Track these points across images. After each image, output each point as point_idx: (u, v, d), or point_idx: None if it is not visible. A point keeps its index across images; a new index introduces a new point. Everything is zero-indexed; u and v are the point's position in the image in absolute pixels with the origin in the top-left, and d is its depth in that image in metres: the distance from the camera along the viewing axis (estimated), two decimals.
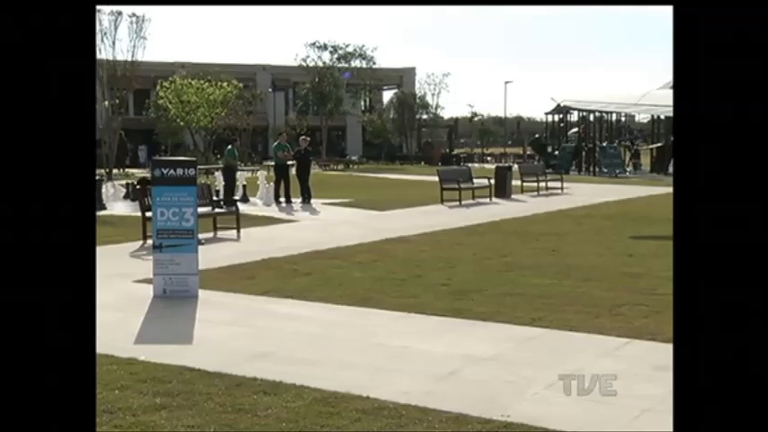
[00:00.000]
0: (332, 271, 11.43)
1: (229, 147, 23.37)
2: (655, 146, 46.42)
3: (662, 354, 7.11)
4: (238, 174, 23.86)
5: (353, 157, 56.77)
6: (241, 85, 50.08)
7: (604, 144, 44.97)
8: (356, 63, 56.25)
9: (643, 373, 6.59)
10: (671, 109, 20.59)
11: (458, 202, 22.72)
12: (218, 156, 38.55)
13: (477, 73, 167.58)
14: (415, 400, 5.76)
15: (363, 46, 56.43)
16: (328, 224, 17.87)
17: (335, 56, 55.62)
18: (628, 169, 43.62)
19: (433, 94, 64.22)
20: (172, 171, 9.75)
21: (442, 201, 22.80)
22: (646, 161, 47.52)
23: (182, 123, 47.79)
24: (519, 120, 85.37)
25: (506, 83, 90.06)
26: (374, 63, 57.04)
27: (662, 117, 42.69)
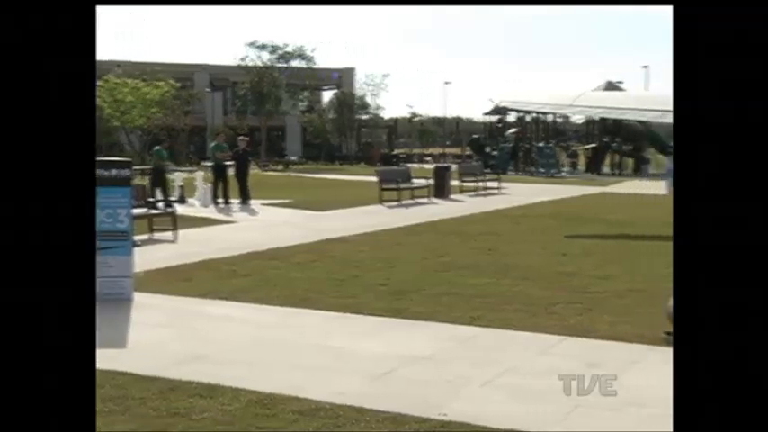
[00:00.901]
0: (270, 272, 11.36)
1: (157, 147, 22.95)
2: (589, 146, 47.24)
3: (595, 350, 7.26)
4: (175, 174, 23.46)
5: (293, 158, 56.51)
6: (178, 84, 49.40)
7: (541, 144, 45.62)
8: (295, 63, 55.96)
9: (577, 369, 6.69)
10: (604, 110, 20.96)
11: (397, 203, 22.80)
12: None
13: (417, 74, 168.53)
14: (351, 401, 5.76)
15: (302, 46, 56.18)
16: (267, 225, 17.76)
17: (275, 56, 55.26)
18: (564, 169, 44.31)
19: (372, 95, 64.30)
20: (105, 172, 9.57)
21: (382, 201, 22.85)
22: (581, 161, 48.36)
23: (116, 123, 46.92)
24: (458, 120, 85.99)
25: (445, 83, 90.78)
26: (314, 63, 56.86)
27: (596, 118, 43.39)
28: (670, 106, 18.00)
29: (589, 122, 49.35)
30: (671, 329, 7.36)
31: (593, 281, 10.71)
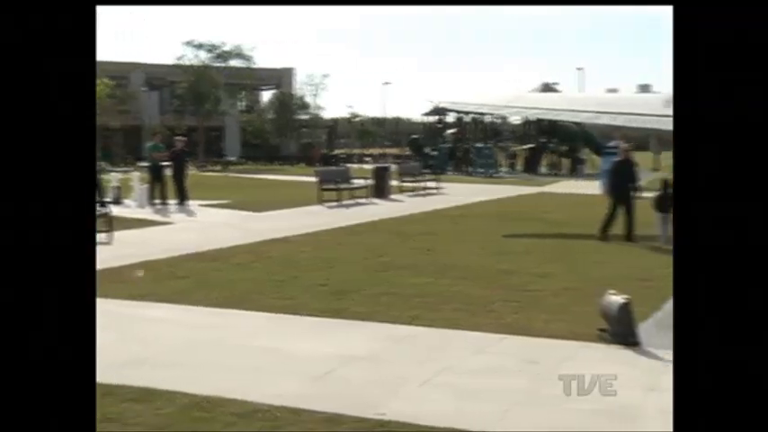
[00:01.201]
0: (209, 273, 11.24)
1: None
2: (527, 147, 47.86)
3: (532, 348, 7.36)
4: (111, 175, 22.99)
5: (231, 158, 55.93)
6: (113, 83, 48.49)
7: (479, 145, 46.06)
8: (234, 62, 55.39)
9: (514, 367, 6.78)
10: (540, 111, 21.26)
11: (336, 203, 22.78)
12: None
13: (357, 74, 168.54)
14: (289, 402, 5.73)
15: (241, 45, 55.63)
16: (206, 226, 17.56)
17: (212, 55, 54.61)
18: (502, 169, 44.80)
19: (312, 95, 64.06)
20: None
21: (321, 201, 22.80)
22: (519, 162, 48.94)
23: None
24: (398, 120, 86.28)
25: (385, 84, 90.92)
26: (253, 63, 56.36)
27: (533, 119, 43.98)
28: (603, 107, 18.20)
29: (526, 123, 49.99)
30: (605, 327, 7.51)
31: (530, 279, 10.86)
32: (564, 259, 12.77)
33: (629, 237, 14.88)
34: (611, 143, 34.42)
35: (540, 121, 42.58)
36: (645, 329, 7.74)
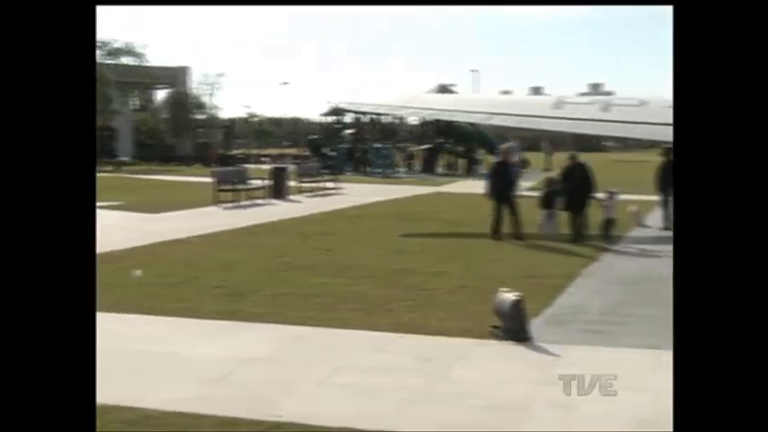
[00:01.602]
0: (102, 277, 10.86)
1: None
2: (424, 147, 48.41)
3: (428, 346, 7.48)
4: None
5: (124, 158, 54.44)
6: None
7: (377, 145, 46.34)
8: (125, 60, 53.94)
9: (409, 365, 6.88)
10: (436, 112, 21.58)
11: (233, 204, 22.52)
12: None
13: (255, 74, 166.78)
14: (183, 407, 5.66)
15: (132, 42, 54.20)
16: (99, 228, 17.00)
17: (103, 52, 53.03)
18: (400, 170, 45.18)
19: (208, 95, 63.05)
20: None
21: (218, 202, 22.50)
22: (416, 162, 49.48)
23: None
24: (296, 121, 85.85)
25: (283, 84, 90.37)
26: (145, 61, 55.03)
27: (430, 120, 44.54)
28: (496, 109, 18.61)
29: (424, 124, 50.54)
30: (497, 324, 7.71)
31: (426, 278, 11.02)
32: (459, 258, 13.01)
33: (517, 235, 15.31)
34: (508, 143, 35.26)
35: (436, 121, 43.09)
36: (536, 325, 7.98)
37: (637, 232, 16.66)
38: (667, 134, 16.86)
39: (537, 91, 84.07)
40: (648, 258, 13.34)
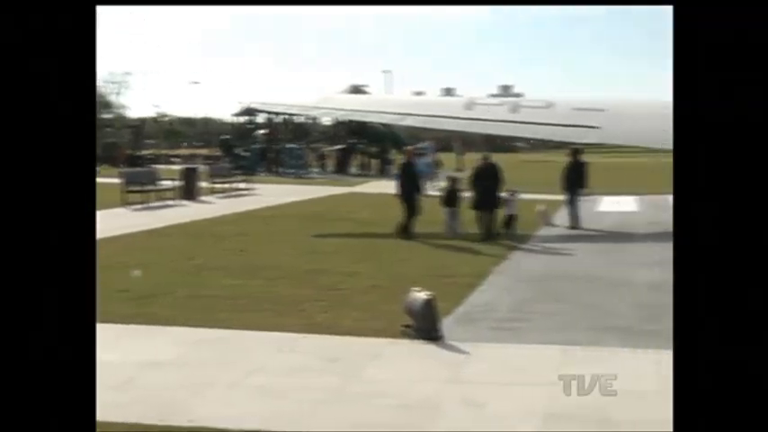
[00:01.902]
0: None
1: None
2: (337, 147, 48.45)
3: (340, 346, 7.48)
4: None
5: None
6: None
7: (290, 146, 46.14)
8: None
9: (322, 366, 6.87)
10: (348, 113, 21.61)
11: (143, 205, 22.07)
12: None
13: (165, 73, 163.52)
14: None
15: None
16: None
17: None
18: (314, 170, 45.12)
19: (116, 93, 61.60)
20: None
21: (126, 204, 22.01)
22: (330, 162, 49.48)
23: None
24: (208, 121, 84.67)
25: (193, 83, 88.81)
26: None
27: (343, 120, 44.57)
28: (409, 109, 18.78)
29: (337, 124, 50.61)
30: (409, 323, 7.78)
31: (339, 279, 11.03)
32: (371, 258, 13.07)
33: (403, 232, 15.58)
34: (422, 144, 35.59)
35: (349, 122, 43.22)
36: (448, 324, 8.08)
37: (545, 231, 17.05)
38: (571, 135, 17.36)
39: (449, 92, 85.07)
40: (556, 256, 13.67)
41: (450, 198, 16.48)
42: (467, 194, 16.57)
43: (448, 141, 53.97)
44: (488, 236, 15.39)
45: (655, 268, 11.75)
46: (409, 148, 18.54)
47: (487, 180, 15.95)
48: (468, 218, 16.15)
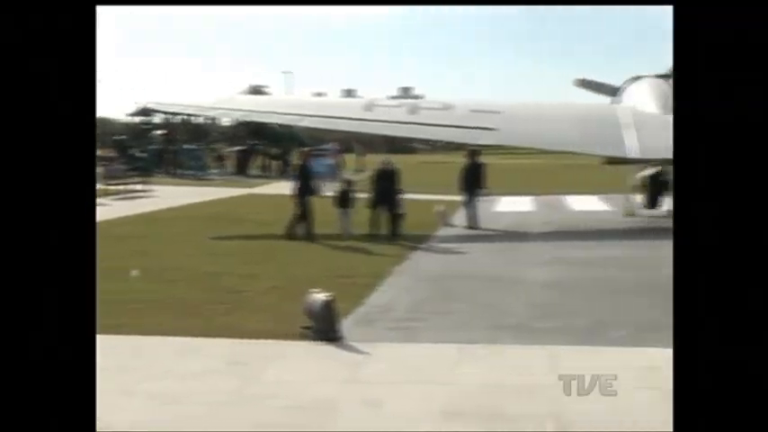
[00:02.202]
0: None
1: None
2: (237, 149, 47.93)
3: (239, 349, 7.44)
4: None
5: None
6: None
7: (189, 146, 45.37)
8: None
9: (220, 369, 6.82)
10: (248, 113, 21.40)
11: None
12: None
13: None
14: None
15: None
16: None
17: None
18: (213, 171, 44.49)
19: None
20: None
21: None
22: (229, 163, 48.90)
23: None
24: (105, 121, 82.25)
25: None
26: None
27: (243, 121, 44.12)
28: (308, 110, 18.81)
29: (237, 125, 50.03)
30: (308, 324, 7.81)
31: (240, 281, 10.95)
32: (271, 259, 13.02)
33: (288, 233, 15.76)
34: (326, 146, 35.62)
35: (249, 123, 42.80)
36: (347, 325, 8.15)
37: (443, 231, 17.34)
38: (468, 137, 17.71)
39: (350, 93, 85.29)
40: (453, 255, 13.93)
41: (344, 199, 16.77)
42: (364, 195, 16.79)
43: (352, 142, 54.17)
44: (391, 236, 15.63)
45: (547, 267, 12.15)
46: (305, 149, 18.69)
47: (385, 182, 16.28)
48: (365, 218, 16.32)
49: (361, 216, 16.56)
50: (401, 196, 16.53)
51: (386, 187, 16.19)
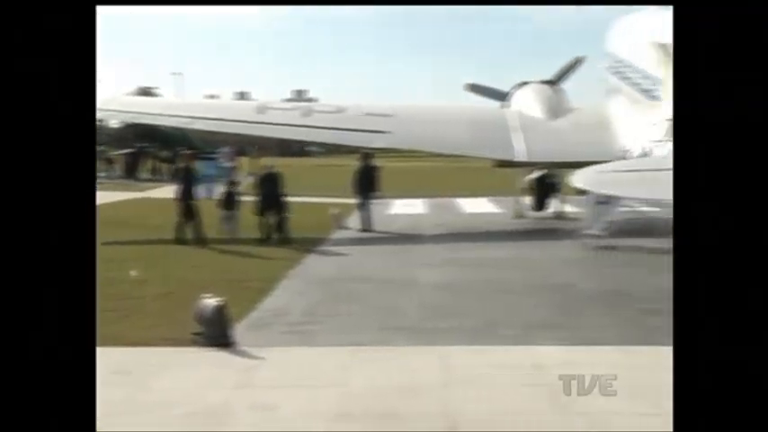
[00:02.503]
0: None
1: None
2: (126, 151, 46.74)
3: (129, 358, 7.28)
4: None
5: None
6: None
7: None
8: None
9: (109, 379, 6.62)
10: (138, 115, 20.91)
11: None
12: None
13: None
14: None
15: None
16: None
17: None
18: (101, 174, 43.21)
19: None
20: None
21: None
22: (118, 166, 47.62)
23: None
24: None
25: None
26: None
27: (132, 123, 43.05)
28: (200, 113, 18.54)
29: (125, 127, 48.73)
30: (198, 330, 7.72)
31: (131, 287, 10.72)
32: (162, 264, 12.79)
33: (178, 237, 15.73)
34: (224, 149, 35.10)
35: (138, 125, 41.78)
36: (240, 330, 8.09)
37: (338, 234, 17.40)
38: (361, 140, 17.83)
39: (243, 96, 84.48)
40: (347, 258, 13.99)
41: (228, 202, 16.79)
42: (250, 199, 16.77)
43: (247, 145, 53.62)
44: (282, 239, 15.61)
45: (439, 268, 12.37)
46: (188, 152, 18.53)
47: (270, 186, 16.31)
48: (253, 222, 16.25)
49: (248, 220, 16.44)
50: (286, 200, 16.51)
51: (270, 191, 16.26)
